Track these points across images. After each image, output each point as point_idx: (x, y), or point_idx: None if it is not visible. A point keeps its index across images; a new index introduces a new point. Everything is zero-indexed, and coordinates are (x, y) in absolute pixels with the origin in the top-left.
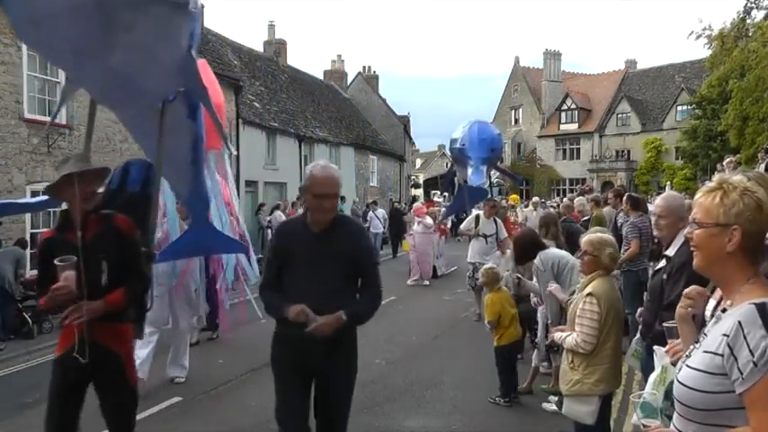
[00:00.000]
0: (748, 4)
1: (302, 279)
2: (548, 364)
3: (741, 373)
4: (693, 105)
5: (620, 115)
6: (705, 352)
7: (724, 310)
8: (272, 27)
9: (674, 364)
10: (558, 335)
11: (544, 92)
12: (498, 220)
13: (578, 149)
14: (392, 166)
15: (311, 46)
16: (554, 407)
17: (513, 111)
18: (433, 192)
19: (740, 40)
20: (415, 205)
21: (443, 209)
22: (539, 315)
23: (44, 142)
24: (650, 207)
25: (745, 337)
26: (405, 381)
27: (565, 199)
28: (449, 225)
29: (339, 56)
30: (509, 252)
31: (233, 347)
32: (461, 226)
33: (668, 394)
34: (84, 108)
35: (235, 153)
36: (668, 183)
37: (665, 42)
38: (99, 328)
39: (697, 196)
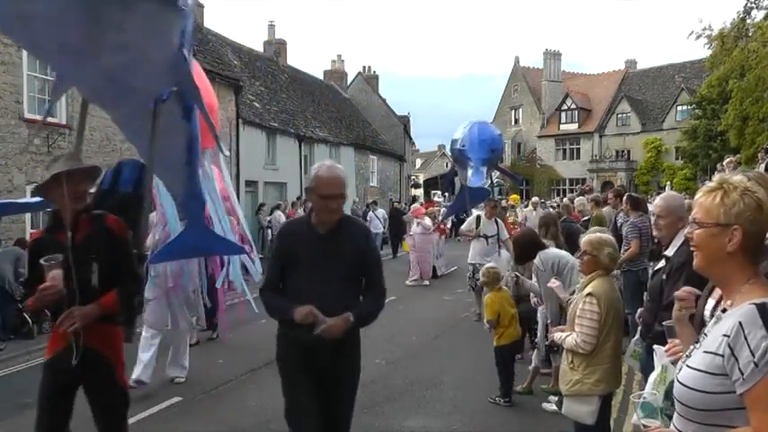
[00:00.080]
0: (748, 4)
1: (307, 280)
2: (547, 363)
3: (742, 374)
4: (693, 105)
5: (620, 115)
6: (705, 352)
7: (724, 311)
8: (272, 27)
9: (673, 363)
10: (557, 335)
11: (544, 92)
12: (500, 221)
13: (578, 149)
14: (392, 166)
15: (311, 46)
16: (554, 407)
17: (513, 111)
18: (433, 192)
19: (740, 40)
20: (413, 206)
21: (443, 209)
22: (539, 315)
23: (44, 142)
24: (650, 207)
25: (745, 338)
26: (405, 381)
27: (565, 199)
28: (449, 225)
29: (339, 56)
30: (504, 252)
31: (233, 347)
32: (462, 227)
33: (668, 394)
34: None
35: (228, 154)
36: (668, 183)
37: (665, 42)
38: (88, 330)
39: (697, 196)
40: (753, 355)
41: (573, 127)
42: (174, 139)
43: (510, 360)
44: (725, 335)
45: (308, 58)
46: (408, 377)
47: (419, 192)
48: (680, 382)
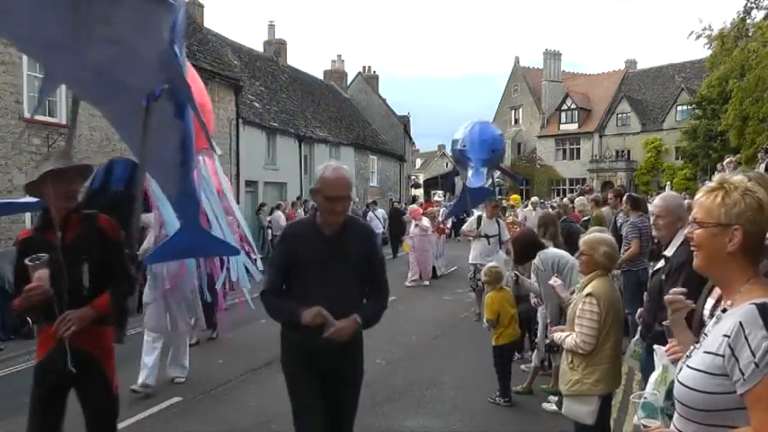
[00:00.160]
0: (748, 4)
1: (314, 282)
2: (547, 363)
3: (742, 374)
4: (693, 105)
5: (620, 115)
6: (706, 352)
7: (724, 311)
8: (272, 27)
9: (674, 363)
10: (557, 335)
11: (544, 92)
12: (501, 221)
13: (578, 149)
14: (392, 166)
15: (311, 46)
16: (554, 407)
17: (513, 111)
18: (433, 191)
19: (740, 40)
20: (410, 207)
21: (443, 208)
22: (539, 315)
23: (44, 142)
24: (650, 207)
25: (746, 338)
26: (405, 381)
27: (565, 199)
28: (449, 225)
29: (339, 56)
30: (501, 253)
31: (233, 347)
32: (463, 227)
33: (669, 394)
34: (83, 108)
35: (219, 153)
36: (668, 183)
37: (665, 42)
38: (79, 332)
39: (698, 196)
40: (753, 356)
41: (573, 127)
42: (167, 138)
43: (508, 360)
44: (725, 335)
45: (308, 58)
46: (408, 377)
47: (419, 192)
48: (680, 383)
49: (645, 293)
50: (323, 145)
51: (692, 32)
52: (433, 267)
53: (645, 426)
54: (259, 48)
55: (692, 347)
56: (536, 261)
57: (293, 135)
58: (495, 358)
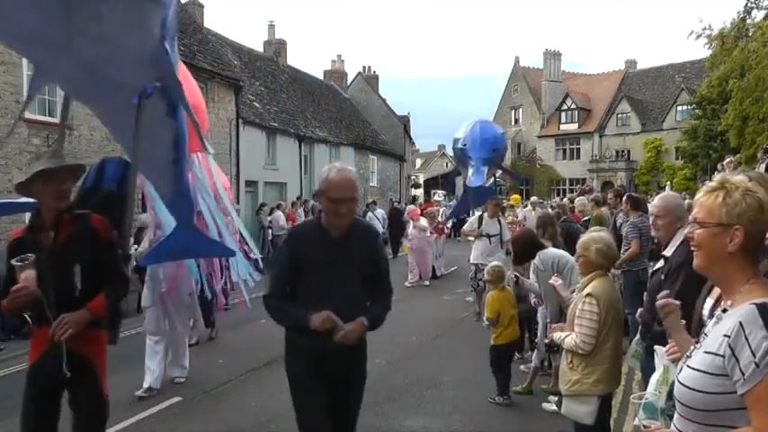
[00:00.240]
0: (748, 4)
1: (320, 285)
2: (547, 364)
3: (743, 374)
4: (693, 105)
5: (620, 115)
6: (706, 353)
7: (724, 311)
8: (272, 27)
9: (674, 363)
10: (556, 334)
11: (544, 92)
12: (502, 221)
13: (578, 149)
14: (392, 166)
15: (311, 46)
16: (554, 407)
17: (513, 111)
18: (433, 191)
19: (740, 40)
20: (408, 207)
21: (443, 208)
22: (539, 315)
23: (44, 142)
24: (649, 207)
25: (746, 338)
26: (405, 381)
27: (565, 199)
28: (449, 225)
29: (339, 56)
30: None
31: (233, 347)
32: (464, 227)
33: (671, 394)
34: (83, 108)
35: (212, 152)
36: (668, 183)
37: (665, 42)
38: (73, 334)
39: (698, 196)
40: (754, 356)
41: (573, 127)
42: (160, 137)
43: (507, 360)
44: (725, 335)
45: (308, 58)
46: (408, 377)
47: (419, 192)
48: (680, 383)
49: (645, 293)
50: (323, 145)
51: (692, 32)
52: (433, 267)
53: (646, 426)
54: (259, 48)
55: (692, 347)
56: (536, 261)
57: (293, 135)
58: (492, 357)
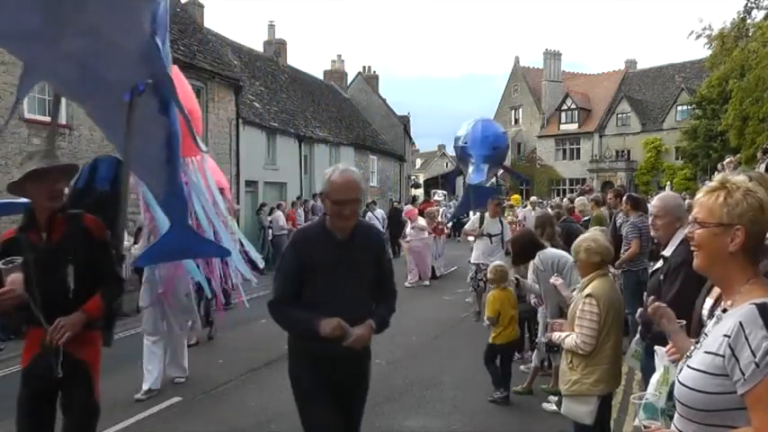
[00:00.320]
0: (748, 4)
1: (325, 288)
2: (547, 364)
3: (743, 374)
4: (693, 105)
5: (620, 115)
6: (706, 353)
7: (725, 311)
8: (272, 27)
9: (674, 363)
10: (556, 335)
11: (544, 92)
12: (503, 220)
13: (578, 149)
14: (392, 166)
15: (311, 46)
16: (554, 407)
17: (513, 111)
18: (433, 191)
19: (740, 40)
20: (406, 207)
21: (443, 208)
22: (539, 315)
23: (44, 142)
24: (649, 207)
25: (746, 338)
26: (405, 381)
27: (565, 199)
28: (449, 225)
29: (339, 56)
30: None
31: (233, 347)
32: (466, 226)
33: (671, 395)
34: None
35: (205, 150)
36: (668, 183)
37: (665, 42)
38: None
39: (698, 196)
40: (754, 356)
41: (573, 127)
42: (152, 135)
43: (507, 360)
44: (725, 335)
45: (308, 58)
46: (408, 377)
47: (419, 192)
48: (680, 383)
49: (645, 294)
50: (323, 145)
51: (692, 32)
52: (432, 268)
53: (646, 426)
54: (259, 48)
55: (692, 347)
56: (536, 261)
57: (293, 135)
58: (487, 354)
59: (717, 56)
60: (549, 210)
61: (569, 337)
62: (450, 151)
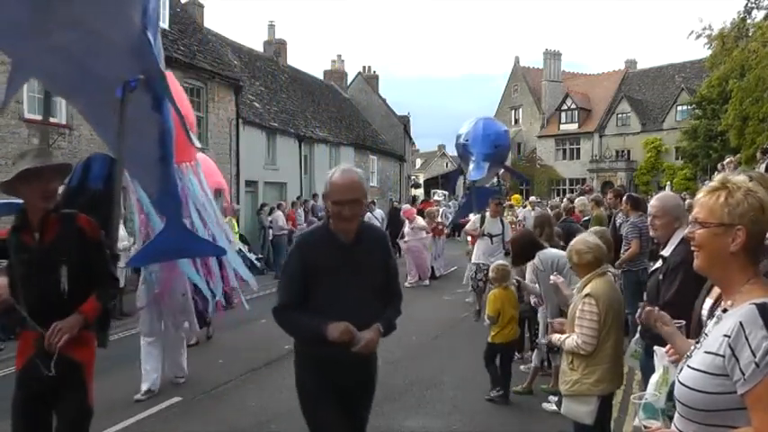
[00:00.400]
0: (748, 5)
1: (331, 292)
2: (547, 364)
3: (743, 374)
4: (693, 105)
5: (620, 115)
6: (706, 353)
7: (725, 311)
8: (272, 27)
9: (674, 364)
10: (556, 336)
11: (544, 92)
12: (504, 220)
13: (578, 149)
14: (392, 166)
15: (311, 46)
16: (554, 407)
17: (513, 111)
18: (433, 191)
19: (740, 40)
20: (404, 207)
21: (443, 208)
22: (539, 315)
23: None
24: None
25: (746, 338)
26: (405, 381)
27: (565, 200)
28: (448, 225)
29: (339, 56)
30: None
31: (233, 347)
32: (467, 226)
33: (670, 395)
34: None
35: (199, 146)
36: (668, 183)
37: (665, 42)
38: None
39: (699, 196)
40: (754, 356)
41: (573, 127)
42: (146, 133)
43: (507, 360)
44: (725, 335)
45: (308, 58)
46: (408, 377)
47: (419, 192)
48: (681, 383)
49: (645, 293)
50: (323, 145)
51: (692, 32)
52: (432, 268)
53: (646, 426)
54: (259, 48)
55: (692, 347)
56: (535, 261)
57: (293, 135)
58: (486, 353)
59: (717, 56)
60: (549, 210)
61: (569, 339)
62: (450, 151)
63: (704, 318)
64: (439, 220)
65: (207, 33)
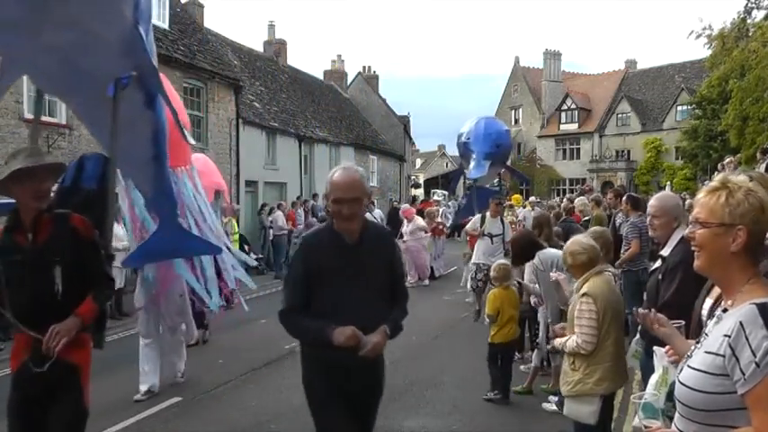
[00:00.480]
0: (749, 5)
1: (337, 293)
2: (546, 363)
3: (743, 374)
4: (693, 105)
5: (620, 115)
6: (706, 352)
7: (725, 310)
8: (272, 27)
9: (673, 364)
10: (558, 341)
11: (544, 92)
12: (505, 221)
13: (578, 149)
14: (392, 166)
15: (311, 46)
16: (554, 407)
17: (513, 111)
18: (433, 191)
19: (740, 41)
20: (403, 206)
21: (443, 208)
22: (539, 315)
23: (44, 142)
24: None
25: (746, 338)
26: (405, 381)
27: (565, 200)
28: (448, 225)
29: (339, 56)
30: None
31: (233, 347)
32: (467, 226)
33: (670, 395)
34: None
35: (192, 143)
36: (668, 183)
37: (665, 42)
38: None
39: (699, 196)
40: (754, 356)
41: (573, 127)
42: (139, 131)
43: (507, 360)
44: (726, 335)
45: (308, 58)
46: (408, 377)
47: (419, 192)
48: (681, 383)
49: (645, 293)
50: (323, 145)
51: (692, 32)
52: (432, 268)
53: (646, 426)
54: (259, 48)
55: (692, 347)
56: (535, 261)
57: (293, 135)
58: (488, 354)
59: (717, 56)
60: (549, 210)
61: (570, 340)
62: (450, 151)
63: (704, 318)
64: (439, 220)
65: (207, 33)
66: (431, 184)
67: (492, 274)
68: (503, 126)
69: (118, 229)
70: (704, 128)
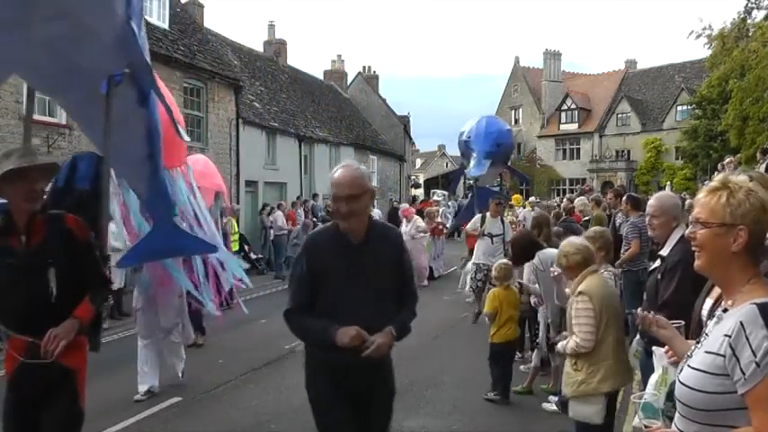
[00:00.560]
0: (749, 5)
1: (342, 294)
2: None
3: (743, 374)
4: (693, 105)
5: (620, 115)
6: (706, 352)
7: (725, 310)
8: (272, 27)
9: (673, 364)
10: (560, 345)
11: (544, 92)
12: (505, 221)
13: (578, 149)
14: (392, 166)
15: (311, 46)
16: (554, 407)
17: (513, 111)
18: (433, 191)
19: (740, 41)
20: (402, 206)
21: (443, 208)
22: (539, 315)
23: (44, 142)
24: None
25: (747, 338)
26: (405, 381)
27: (565, 201)
28: (448, 225)
29: (339, 56)
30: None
31: (233, 347)
32: (468, 226)
33: (670, 395)
34: None
35: (188, 140)
36: (668, 183)
37: (665, 42)
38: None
39: (699, 196)
40: (754, 355)
41: (573, 127)
42: (132, 129)
43: (507, 360)
44: (726, 335)
45: (308, 58)
46: (408, 377)
47: (419, 192)
48: (681, 383)
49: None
50: (323, 145)
51: (692, 32)
52: (431, 268)
53: (646, 426)
54: (259, 48)
55: (693, 347)
56: (535, 261)
57: (293, 135)
58: (489, 353)
59: (717, 56)
60: (548, 210)
61: (570, 342)
62: (450, 151)
63: (704, 318)
64: (438, 220)
65: (207, 33)
66: (431, 184)
67: (493, 273)
68: (504, 125)
69: (114, 228)
70: (704, 128)
